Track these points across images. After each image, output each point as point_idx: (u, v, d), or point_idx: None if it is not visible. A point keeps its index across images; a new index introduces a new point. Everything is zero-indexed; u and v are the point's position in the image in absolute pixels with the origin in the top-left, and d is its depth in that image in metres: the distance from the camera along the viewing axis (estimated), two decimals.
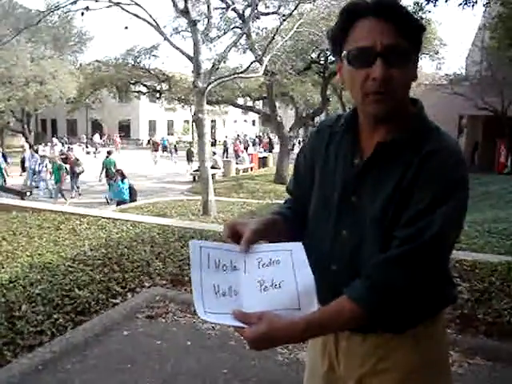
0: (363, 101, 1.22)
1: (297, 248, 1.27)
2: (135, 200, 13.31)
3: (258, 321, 1.11)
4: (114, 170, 14.52)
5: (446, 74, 25.18)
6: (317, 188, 1.39)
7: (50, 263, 5.21)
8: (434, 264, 1.20)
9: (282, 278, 1.21)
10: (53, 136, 36.17)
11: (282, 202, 1.60)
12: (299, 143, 40.41)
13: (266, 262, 1.24)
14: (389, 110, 1.21)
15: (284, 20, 13.77)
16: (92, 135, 37.76)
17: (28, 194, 12.75)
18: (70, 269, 4.96)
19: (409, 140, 1.23)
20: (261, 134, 49.64)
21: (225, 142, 36.03)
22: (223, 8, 17.50)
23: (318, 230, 1.37)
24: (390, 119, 1.24)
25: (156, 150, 28.73)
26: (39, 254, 5.76)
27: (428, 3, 7.56)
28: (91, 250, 5.81)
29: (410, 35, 1.18)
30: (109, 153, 17.19)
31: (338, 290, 1.21)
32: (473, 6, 7.52)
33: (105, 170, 16.12)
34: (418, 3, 7.53)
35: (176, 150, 32.69)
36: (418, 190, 1.18)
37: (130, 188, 13.31)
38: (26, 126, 35.47)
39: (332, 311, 1.18)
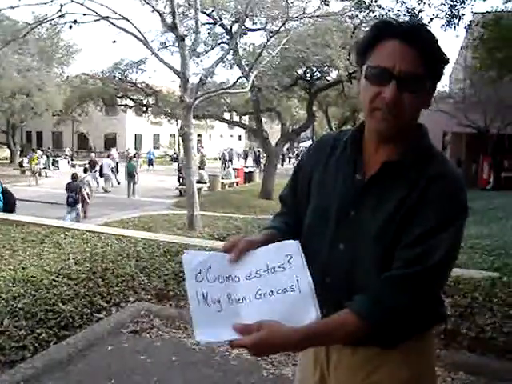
0: (370, 114, 1.26)
1: (295, 250, 1.26)
2: (12, 209, 10.01)
3: (259, 328, 1.14)
4: (134, 173, 19.76)
5: None
6: (313, 199, 1.41)
7: (34, 277, 5.14)
8: (436, 286, 1.25)
9: (279, 285, 1.22)
10: (38, 148, 35.91)
11: (269, 216, 1.61)
12: (283, 159, 40.75)
13: (263, 269, 1.24)
14: (392, 130, 1.25)
15: (271, 36, 13.95)
16: (107, 149, 37.59)
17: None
18: (53, 283, 4.90)
19: (414, 162, 1.26)
20: (247, 149, 49.94)
21: (223, 154, 37.08)
22: (211, 23, 17.72)
23: (313, 241, 1.38)
24: (393, 139, 1.28)
25: (94, 170, 21.76)
26: (23, 268, 5.68)
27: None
28: (76, 263, 5.75)
29: (431, 65, 1.21)
30: (130, 158, 22.22)
31: (331, 302, 1.24)
32: (454, 27, 7.70)
33: (128, 172, 20.13)
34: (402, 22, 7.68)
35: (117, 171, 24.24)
36: (423, 211, 1.21)
37: (5, 193, 10.02)
38: (11, 138, 35.20)
39: (334, 323, 1.20)
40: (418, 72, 1.19)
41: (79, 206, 13.18)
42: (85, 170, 16.42)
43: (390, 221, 1.24)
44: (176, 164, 26.65)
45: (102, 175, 21.52)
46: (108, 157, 26.59)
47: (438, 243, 1.18)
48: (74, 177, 13.94)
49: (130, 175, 20.05)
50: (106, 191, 21.31)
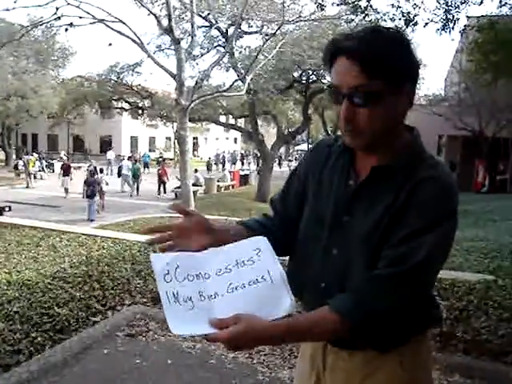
0: (342, 132, 1.29)
1: (262, 244, 1.26)
2: None
3: (236, 321, 1.10)
4: (138, 174, 21.14)
5: (426, 95, 25.69)
6: (309, 206, 1.41)
7: (29, 280, 5.13)
8: (419, 287, 1.23)
9: (250, 277, 1.20)
10: (33, 151, 35.85)
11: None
12: (280, 161, 41.01)
13: (232, 264, 1.23)
14: (365, 144, 1.25)
15: (267, 40, 13.96)
16: (105, 152, 37.48)
17: (7, 209, 12.55)
18: (49, 286, 4.90)
19: (403, 166, 1.26)
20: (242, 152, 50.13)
21: (223, 156, 37.85)
22: (207, 26, 17.72)
23: (308, 247, 1.39)
24: (378, 147, 1.28)
25: (67, 175, 19.47)
26: (18, 271, 5.67)
27: (407, 27, 7.75)
28: (71, 267, 5.74)
29: (384, 73, 1.18)
30: (136, 160, 24.18)
31: None
32: (450, 32, 7.73)
33: (132, 174, 21.19)
34: (397, 27, 7.71)
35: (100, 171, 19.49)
36: (409, 213, 1.20)
37: None
38: (6, 141, 35.10)
39: (314, 320, 1.19)
40: (366, 86, 1.17)
41: (97, 198, 15.09)
42: (101, 170, 18.35)
43: (379, 222, 1.24)
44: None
45: (120, 176, 22.27)
46: (129, 158, 26.59)
47: (421, 244, 1.18)
48: (92, 173, 15.87)
49: (135, 176, 21.21)
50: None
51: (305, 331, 1.19)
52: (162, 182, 21.03)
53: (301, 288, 1.38)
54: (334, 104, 1.25)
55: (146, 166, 34.56)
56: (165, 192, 20.97)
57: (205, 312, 1.16)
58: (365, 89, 1.18)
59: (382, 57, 1.18)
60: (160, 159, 30.21)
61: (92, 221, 13.74)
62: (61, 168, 20.60)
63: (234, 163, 39.43)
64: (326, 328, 1.19)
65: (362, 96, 1.19)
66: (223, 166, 35.11)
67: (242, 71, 13.62)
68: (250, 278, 1.20)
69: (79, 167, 33.94)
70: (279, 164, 40.94)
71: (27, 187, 22.75)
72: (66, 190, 19.19)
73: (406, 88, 1.24)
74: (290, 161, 44.40)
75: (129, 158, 27.07)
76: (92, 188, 14.89)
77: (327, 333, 1.21)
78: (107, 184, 16.83)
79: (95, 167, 20.51)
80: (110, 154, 33.76)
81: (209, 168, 33.27)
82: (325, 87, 19.10)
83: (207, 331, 1.12)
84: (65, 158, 25.88)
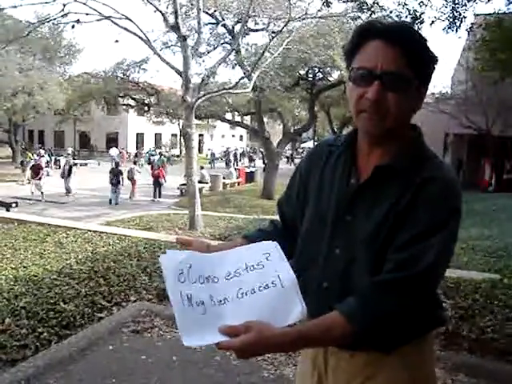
0: (357, 117, 1.27)
1: (272, 248, 1.24)
2: None
3: (247, 330, 1.09)
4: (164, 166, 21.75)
5: (432, 93, 25.57)
6: (311, 205, 1.40)
7: (35, 276, 5.16)
8: (426, 290, 1.23)
9: (260, 282, 1.18)
10: (40, 147, 35.99)
11: (270, 216, 1.60)
12: (292, 158, 41.05)
13: (242, 268, 1.21)
14: (380, 130, 1.24)
15: (273, 37, 13.92)
16: (108, 148, 38.00)
17: (14, 205, 12.62)
18: (55, 282, 4.93)
19: (407, 165, 1.25)
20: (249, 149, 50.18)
21: (234, 153, 39.66)
22: (213, 23, 17.72)
23: (310, 247, 1.38)
24: (385, 140, 1.27)
25: (37, 177, 17.95)
26: (24, 267, 5.70)
27: (413, 25, 7.71)
28: (77, 263, 5.77)
29: (417, 65, 1.20)
30: (161, 154, 26.46)
31: (328, 307, 1.22)
32: (456, 30, 7.69)
33: (157, 166, 21.15)
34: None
35: (70, 170, 19.18)
36: (414, 214, 1.19)
37: None
38: (13, 137, 35.26)
39: (323, 326, 1.18)
40: (401, 71, 1.19)
41: (121, 186, 17.84)
42: (134, 162, 22.76)
43: (381, 225, 1.23)
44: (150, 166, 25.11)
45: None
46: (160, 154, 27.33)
47: (426, 248, 1.17)
48: (117, 164, 18.79)
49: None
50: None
51: (316, 338, 1.18)
52: (157, 183, 19.22)
53: (304, 289, 1.37)
54: (357, 86, 1.24)
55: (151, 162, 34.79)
56: (160, 196, 19.14)
57: (215, 318, 1.13)
58: (399, 74, 1.19)
59: (421, 50, 1.22)
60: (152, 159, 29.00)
61: (117, 204, 16.96)
62: (30, 169, 18.40)
63: (251, 160, 39.57)
64: (335, 334, 1.17)
65: (395, 80, 1.19)
66: (234, 162, 35.56)
67: (249, 68, 13.59)
68: (259, 283, 1.18)
69: (85, 164, 34.15)
70: (292, 160, 40.89)
71: (29, 183, 22.69)
72: (41, 194, 17.61)
73: (423, 88, 1.27)
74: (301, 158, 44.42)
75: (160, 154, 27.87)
76: (116, 177, 17.45)
77: (337, 338, 1.20)
78: (139, 172, 19.41)
79: (71, 166, 19.73)
80: (113, 151, 33.97)
81: (227, 164, 34.06)
82: (331, 81, 19.27)
83: (218, 339, 1.09)
84: (36, 156, 23.82)
